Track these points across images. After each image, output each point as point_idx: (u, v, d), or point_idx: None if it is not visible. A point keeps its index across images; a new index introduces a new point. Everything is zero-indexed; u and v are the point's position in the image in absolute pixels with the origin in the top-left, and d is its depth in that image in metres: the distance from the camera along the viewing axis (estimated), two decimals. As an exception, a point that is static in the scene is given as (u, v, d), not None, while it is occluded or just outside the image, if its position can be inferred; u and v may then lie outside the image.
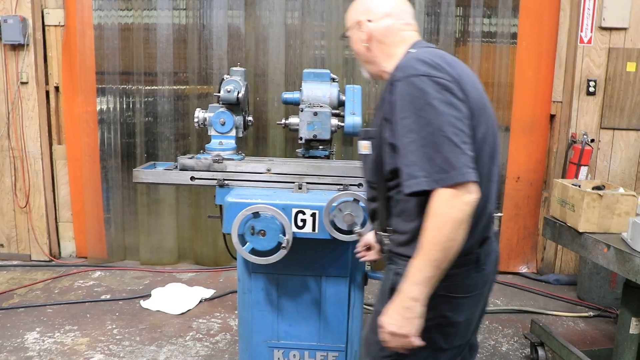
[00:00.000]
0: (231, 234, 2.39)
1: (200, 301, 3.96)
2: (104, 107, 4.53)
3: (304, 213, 2.43)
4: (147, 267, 4.61)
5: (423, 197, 1.53)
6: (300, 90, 3.08)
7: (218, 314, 3.79)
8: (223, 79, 2.90)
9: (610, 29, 4.29)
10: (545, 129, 4.62)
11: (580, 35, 4.30)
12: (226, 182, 2.65)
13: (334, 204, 2.36)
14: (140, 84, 4.53)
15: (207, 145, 2.86)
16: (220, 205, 2.81)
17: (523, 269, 4.79)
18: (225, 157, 2.76)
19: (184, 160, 2.72)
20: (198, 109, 2.86)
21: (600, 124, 4.42)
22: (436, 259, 1.49)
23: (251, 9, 4.43)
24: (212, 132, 2.88)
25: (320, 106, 2.95)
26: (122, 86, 4.53)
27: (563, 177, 4.46)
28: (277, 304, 2.69)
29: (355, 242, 2.36)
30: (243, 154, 2.91)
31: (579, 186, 2.97)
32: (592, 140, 4.36)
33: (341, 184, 2.65)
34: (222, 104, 2.87)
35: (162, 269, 4.61)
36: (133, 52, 4.47)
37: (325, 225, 2.40)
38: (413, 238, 1.60)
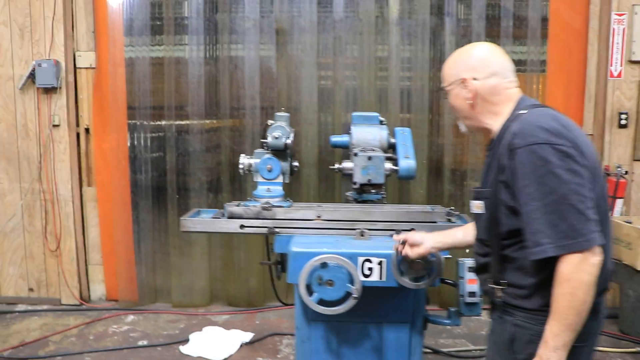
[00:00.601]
0: (298, 285, 2.35)
1: (241, 345, 3.89)
2: (135, 143, 4.52)
3: (370, 261, 2.40)
4: (180, 310, 4.54)
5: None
6: (349, 133, 3.09)
7: (260, 359, 3.72)
8: (267, 124, 2.92)
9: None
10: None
11: (610, 70, 4.34)
12: (276, 230, 2.62)
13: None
14: (171, 120, 4.55)
15: (254, 192, 2.85)
16: (279, 253, 2.79)
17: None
18: (273, 204, 2.74)
19: (232, 208, 2.69)
20: (243, 155, 2.86)
21: (633, 156, 4.42)
22: (572, 322, 1.57)
23: (283, 49, 4.46)
24: (258, 179, 2.87)
25: (372, 149, 2.95)
26: (152, 123, 4.55)
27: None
28: (337, 352, 2.64)
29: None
30: (291, 201, 2.88)
31: (631, 223, 2.97)
32: (626, 173, 4.36)
33: (394, 230, 2.63)
34: (269, 149, 2.87)
35: (195, 311, 4.55)
36: (164, 89, 4.49)
37: (393, 274, 2.37)
38: (532, 292, 1.69)
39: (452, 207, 2.83)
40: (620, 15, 4.30)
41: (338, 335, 2.64)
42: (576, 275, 1.53)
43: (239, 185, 4.56)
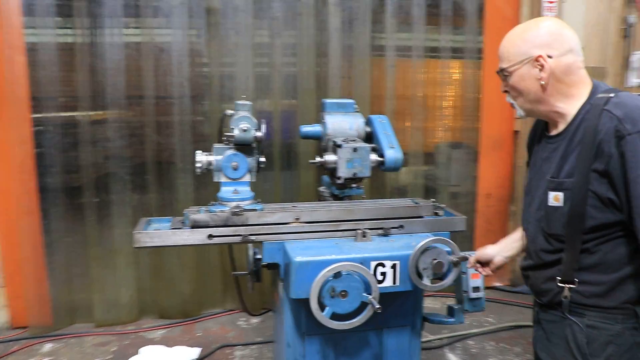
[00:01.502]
0: (310, 299, 2.04)
1: (191, 364, 3.47)
2: (42, 140, 3.84)
3: (383, 265, 2.15)
4: (106, 330, 3.97)
5: (629, 250, 1.57)
6: (322, 122, 2.80)
7: (216, 377, 3.33)
8: (226, 114, 2.57)
9: (569, 48, 4.45)
10: (510, 145, 4.70)
11: (543, 54, 4.41)
12: (251, 237, 2.28)
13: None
14: (85, 111, 3.92)
15: (219, 195, 2.47)
16: (254, 262, 2.45)
17: (496, 283, 4.82)
18: (245, 207, 2.39)
19: (196, 215, 2.30)
20: (199, 152, 2.44)
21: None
22: None
23: (214, 30, 4.01)
24: (221, 179, 2.48)
25: (353, 140, 2.68)
26: (63, 114, 3.89)
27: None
28: (336, 366, 2.37)
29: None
30: (261, 203, 2.53)
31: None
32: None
33: (381, 228, 2.41)
34: (231, 144, 2.49)
35: (124, 328, 4.00)
36: (77, 78, 3.86)
37: (411, 277, 2.14)
38: (611, 289, 1.60)
39: (434, 200, 2.67)
40: (550, 2, 4.38)
41: (335, 347, 2.38)
42: None
43: (168, 184, 4.07)
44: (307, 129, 2.83)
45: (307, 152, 4.13)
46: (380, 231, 2.42)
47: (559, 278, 1.67)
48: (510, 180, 4.75)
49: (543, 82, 1.65)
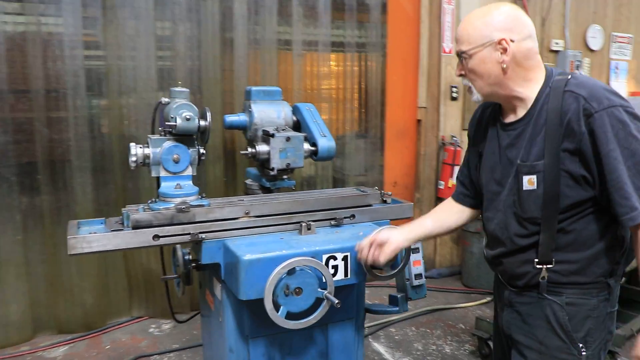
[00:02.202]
0: (264, 300, 1.90)
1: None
2: None
3: (335, 258, 2.07)
4: (-5, 353, 3.52)
5: (600, 226, 1.62)
6: (249, 111, 2.65)
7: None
8: (162, 102, 2.34)
9: (465, 39, 4.64)
10: (414, 134, 4.82)
11: (443, 46, 4.57)
12: (202, 235, 2.10)
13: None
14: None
15: (160, 191, 2.25)
16: (184, 264, 2.26)
17: (406, 269, 4.93)
18: (191, 204, 2.19)
19: (138, 215, 2.07)
20: (133, 145, 2.21)
21: (462, 126, 4.76)
22: None
23: (112, 14, 3.67)
24: (161, 173, 2.25)
25: (284, 129, 2.56)
26: None
27: (436, 178, 4.71)
28: (281, 367, 2.26)
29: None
30: (206, 197, 2.34)
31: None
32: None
33: (334, 218, 2.34)
34: (170, 135, 2.28)
35: (16, 350, 3.55)
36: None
37: (365, 267, 2.07)
38: (587, 265, 1.64)
39: (376, 187, 2.64)
40: (449, -5, 4.55)
41: (281, 348, 2.27)
42: None
43: (63, 185, 3.67)
44: (231, 118, 2.67)
45: (214, 145, 3.93)
46: (333, 222, 2.34)
47: (537, 260, 1.69)
48: (414, 168, 4.88)
49: (505, 66, 1.64)
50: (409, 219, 2.30)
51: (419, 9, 4.68)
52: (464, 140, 4.77)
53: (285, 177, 2.63)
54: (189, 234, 2.10)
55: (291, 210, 2.31)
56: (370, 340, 3.61)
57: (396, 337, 3.65)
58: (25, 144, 3.58)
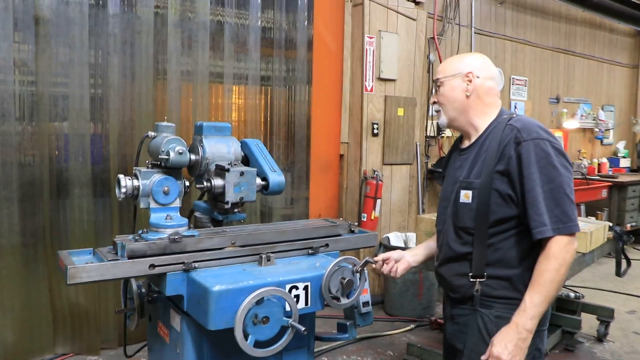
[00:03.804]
0: (235, 329, 1.99)
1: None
2: None
3: (297, 288, 2.21)
4: None
5: (524, 247, 1.89)
6: (200, 146, 2.73)
7: None
8: (148, 136, 2.42)
9: (386, 80, 5.00)
10: (337, 168, 5.06)
11: (365, 85, 4.88)
12: (194, 264, 2.18)
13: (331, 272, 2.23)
14: None
15: (151, 221, 2.30)
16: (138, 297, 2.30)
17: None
18: (183, 234, 2.27)
19: (133, 245, 2.12)
20: (122, 176, 2.25)
21: (383, 160, 5.07)
22: (550, 296, 1.80)
23: (44, 43, 3.60)
24: (151, 205, 2.31)
25: (236, 164, 2.68)
26: None
27: (360, 210, 4.96)
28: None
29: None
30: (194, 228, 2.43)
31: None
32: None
33: (311, 247, 2.50)
34: (159, 168, 2.36)
35: None
36: None
37: (325, 296, 2.22)
38: (513, 282, 1.90)
39: (342, 218, 2.82)
40: (370, 37, 4.88)
41: (237, 378, 2.33)
42: (563, 255, 1.77)
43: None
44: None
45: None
46: (310, 250, 2.49)
47: (471, 274, 1.96)
48: (337, 201, 5.12)
49: (468, 94, 2.00)
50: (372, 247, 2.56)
51: (342, 48, 4.98)
52: (384, 174, 5.09)
53: (237, 210, 2.73)
54: (182, 263, 2.17)
55: (273, 240, 2.43)
56: (303, 368, 3.72)
57: (329, 365, 3.80)
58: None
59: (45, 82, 3.64)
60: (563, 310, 4.35)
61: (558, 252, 1.77)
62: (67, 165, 3.71)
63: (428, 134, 5.46)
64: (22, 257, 3.62)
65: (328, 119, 4.94)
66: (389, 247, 4.85)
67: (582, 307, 4.47)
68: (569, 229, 1.78)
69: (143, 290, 2.42)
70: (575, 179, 7.01)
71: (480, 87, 2.01)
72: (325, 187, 5.01)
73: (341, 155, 5.10)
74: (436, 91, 2.13)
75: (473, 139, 2.05)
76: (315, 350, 3.92)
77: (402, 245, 4.91)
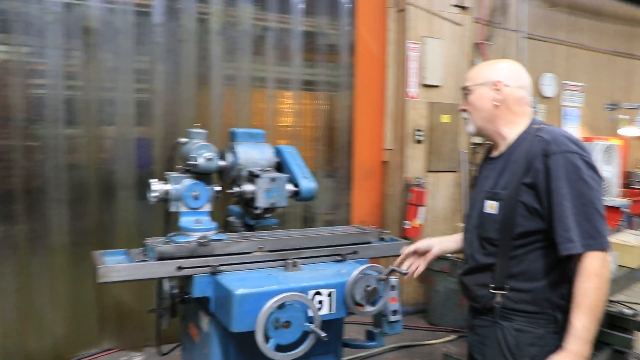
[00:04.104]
0: (256, 332, 2.02)
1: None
2: None
3: (320, 294, 2.21)
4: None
5: (549, 261, 1.83)
6: (233, 152, 2.79)
7: None
8: (179, 142, 2.51)
9: (430, 86, 4.95)
10: (380, 175, 5.04)
11: (407, 91, 4.85)
12: (221, 268, 2.23)
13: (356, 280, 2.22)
14: None
15: (180, 225, 2.37)
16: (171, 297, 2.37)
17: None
18: (211, 238, 2.33)
19: (163, 247, 2.19)
20: (155, 181, 2.34)
21: (427, 168, 5.02)
22: (599, 315, 1.73)
23: (92, 52, 3.77)
24: (181, 209, 2.39)
25: (268, 170, 2.71)
26: None
27: (402, 218, 4.92)
28: (263, 400, 2.36)
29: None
30: (223, 232, 2.48)
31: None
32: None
33: (339, 254, 2.50)
34: (190, 173, 2.42)
35: (-17, 381, 3.52)
36: None
37: (348, 303, 2.22)
38: (537, 296, 1.85)
39: (373, 225, 2.82)
40: (414, 43, 4.84)
41: (264, 381, 2.36)
42: (603, 271, 1.72)
43: (39, 215, 3.70)
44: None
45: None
46: (338, 257, 2.49)
47: (492, 285, 1.92)
48: (380, 207, 5.08)
49: (497, 104, 1.95)
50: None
51: (385, 54, 4.96)
52: (428, 182, 5.03)
53: (268, 215, 2.77)
54: (209, 266, 2.22)
55: (301, 246, 2.46)
56: (338, 374, 3.72)
57: (365, 372, 3.79)
58: (2, 172, 3.61)
59: (93, 88, 3.81)
60: (614, 327, 4.14)
61: (599, 269, 1.71)
62: (114, 169, 3.87)
63: (474, 141, 5.34)
64: (71, 255, 3.79)
65: (371, 125, 4.93)
66: (430, 255, 4.78)
67: (636, 325, 4.25)
68: (600, 245, 1.72)
69: (175, 291, 2.48)
70: (633, 189, 6.74)
71: (509, 96, 1.95)
72: (368, 194, 5.00)
73: (384, 162, 5.07)
74: (465, 99, 2.08)
75: (502, 149, 2.00)
76: (352, 357, 3.93)
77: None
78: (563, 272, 1.85)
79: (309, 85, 4.69)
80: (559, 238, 1.75)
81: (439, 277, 4.70)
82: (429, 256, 2.24)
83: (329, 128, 4.83)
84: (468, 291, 2.06)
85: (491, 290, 1.92)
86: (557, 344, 1.81)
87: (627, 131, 7.22)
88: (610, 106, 7.11)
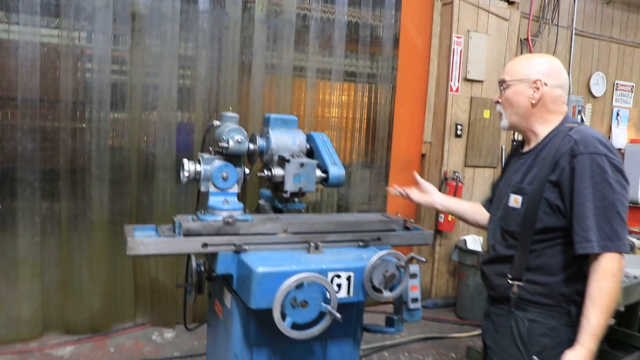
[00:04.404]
0: (273, 310, 2.08)
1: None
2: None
3: (339, 277, 2.25)
4: (5, 348, 3.66)
5: (567, 257, 1.85)
6: (266, 136, 2.85)
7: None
8: (213, 125, 2.58)
9: (472, 81, 4.88)
10: (418, 167, 5.02)
11: (450, 85, 4.80)
12: (245, 247, 2.29)
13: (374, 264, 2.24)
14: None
15: (209, 204, 2.45)
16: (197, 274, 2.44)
17: (402, 298, 5.08)
18: (237, 217, 2.40)
19: (189, 224, 2.27)
20: (186, 160, 2.42)
21: (465, 162, 4.96)
22: (611, 314, 1.75)
23: (139, 37, 3.91)
24: (210, 188, 2.47)
25: (298, 155, 2.76)
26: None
27: (437, 212, 4.89)
28: (281, 377, 2.42)
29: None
30: (249, 213, 2.54)
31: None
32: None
33: (362, 240, 2.52)
34: (221, 154, 2.50)
35: (26, 346, 3.71)
36: None
37: (366, 287, 2.25)
38: (551, 290, 1.88)
39: (399, 214, 2.83)
40: (459, 37, 4.79)
41: (282, 359, 2.41)
42: (618, 272, 1.74)
43: (81, 193, 3.87)
44: (249, 144, 2.87)
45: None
46: (361, 243, 2.52)
47: (510, 276, 1.94)
48: (416, 200, 5.05)
49: (533, 102, 1.94)
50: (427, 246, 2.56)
51: (429, 47, 4.92)
52: (466, 177, 4.97)
53: (296, 200, 2.82)
54: (234, 244, 2.29)
55: (325, 230, 2.49)
56: (364, 361, 3.76)
57: (389, 361, 3.81)
58: (49, 151, 3.79)
59: (138, 73, 3.95)
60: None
61: (616, 269, 1.73)
62: (154, 151, 3.99)
63: (515, 138, 5.24)
64: (109, 232, 3.94)
65: (411, 117, 4.91)
66: (464, 250, 4.74)
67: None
68: (617, 248, 1.74)
69: (202, 268, 2.56)
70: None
71: (547, 95, 1.93)
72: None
73: (423, 155, 5.04)
74: (501, 92, 2.05)
75: (532, 145, 2.01)
76: (378, 345, 3.96)
77: (479, 249, 4.78)
78: (580, 269, 1.85)
79: (350, 77, 4.70)
80: (576, 237, 1.77)
81: (470, 271, 4.66)
82: (428, 198, 2.49)
83: (369, 119, 4.84)
84: (487, 280, 2.09)
85: (509, 281, 1.94)
86: (568, 337, 1.84)
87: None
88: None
